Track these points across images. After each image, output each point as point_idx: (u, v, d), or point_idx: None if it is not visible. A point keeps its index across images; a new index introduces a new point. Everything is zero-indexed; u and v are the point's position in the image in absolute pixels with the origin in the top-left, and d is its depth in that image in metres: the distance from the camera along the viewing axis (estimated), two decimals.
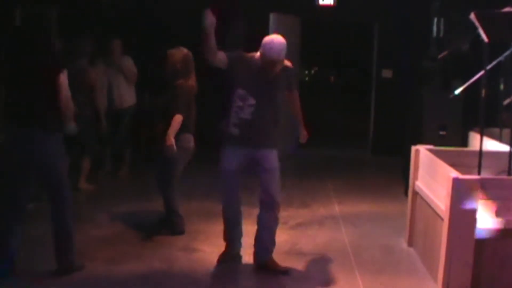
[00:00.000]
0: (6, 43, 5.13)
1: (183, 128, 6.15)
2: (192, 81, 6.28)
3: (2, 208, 5.11)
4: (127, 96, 8.77)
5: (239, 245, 5.67)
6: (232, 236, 5.64)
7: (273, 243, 5.45)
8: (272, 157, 5.40)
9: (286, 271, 5.33)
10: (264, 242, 5.42)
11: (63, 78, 4.97)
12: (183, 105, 6.14)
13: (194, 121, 6.39)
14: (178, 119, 6.06)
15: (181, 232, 6.35)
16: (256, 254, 5.46)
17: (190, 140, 6.33)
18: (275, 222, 5.47)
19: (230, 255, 5.60)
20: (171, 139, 6.02)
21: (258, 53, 5.24)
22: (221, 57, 5.15)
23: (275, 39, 5.16)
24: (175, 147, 6.04)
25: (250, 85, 5.24)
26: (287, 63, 5.34)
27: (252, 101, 5.24)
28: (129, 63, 8.71)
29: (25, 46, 5.03)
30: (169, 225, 6.40)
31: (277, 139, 5.51)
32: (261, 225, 5.45)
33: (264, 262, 5.38)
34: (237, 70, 5.25)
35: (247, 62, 5.28)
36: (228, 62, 5.19)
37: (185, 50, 6.33)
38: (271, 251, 5.43)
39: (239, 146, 5.31)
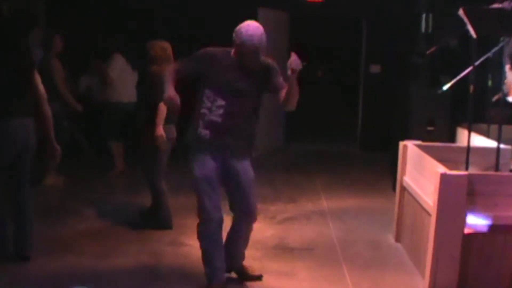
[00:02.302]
0: None
1: (166, 119, 6.13)
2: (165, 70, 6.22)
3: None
4: (105, 91, 8.72)
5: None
6: (215, 264, 4.81)
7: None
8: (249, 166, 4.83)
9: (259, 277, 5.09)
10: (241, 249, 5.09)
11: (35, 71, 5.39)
12: (162, 93, 6.08)
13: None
14: (162, 108, 6.02)
15: (168, 226, 6.33)
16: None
17: (171, 131, 6.31)
18: (250, 231, 5.02)
19: None
20: (160, 129, 6.04)
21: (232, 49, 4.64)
22: (180, 73, 4.73)
23: (250, 23, 4.55)
24: (164, 136, 6.06)
25: (220, 84, 4.62)
26: (269, 60, 4.73)
27: (221, 102, 4.63)
28: (111, 65, 8.65)
29: (9, 44, 5.22)
30: (156, 219, 6.37)
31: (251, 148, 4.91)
32: (237, 236, 4.96)
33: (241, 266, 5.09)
34: (204, 68, 4.65)
35: (215, 57, 4.65)
36: (190, 68, 4.74)
37: (164, 42, 6.36)
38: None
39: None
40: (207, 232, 4.74)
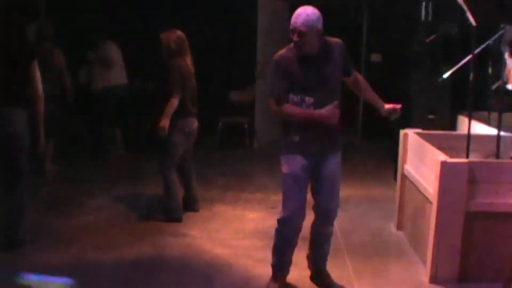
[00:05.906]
0: None
1: (180, 111, 6.12)
2: (186, 61, 6.25)
3: None
4: (98, 78, 9.19)
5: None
6: (283, 259, 4.76)
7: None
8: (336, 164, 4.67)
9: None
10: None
11: (35, 65, 5.42)
12: (177, 86, 6.10)
13: (195, 103, 6.34)
14: (173, 101, 6.06)
15: (177, 219, 6.28)
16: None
17: (189, 124, 6.28)
18: (329, 235, 4.83)
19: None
20: (164, 121, 6.04)
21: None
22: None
23: (303, 8, 4.30)
24: (166, 129, 6.05)
25: (303, 84, 4.39)
26: (331, 39, 4.52)
27: (309, 100, 4.40)
28: (107, 50, 9.18)
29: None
30: (165, 210, 6.37)
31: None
32: (316, 237, 4.82)
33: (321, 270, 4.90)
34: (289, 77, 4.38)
35: (288, 59, 4.39)
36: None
37: (178, 32, 6.32)
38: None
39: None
40: (284, 232, 4.58)
